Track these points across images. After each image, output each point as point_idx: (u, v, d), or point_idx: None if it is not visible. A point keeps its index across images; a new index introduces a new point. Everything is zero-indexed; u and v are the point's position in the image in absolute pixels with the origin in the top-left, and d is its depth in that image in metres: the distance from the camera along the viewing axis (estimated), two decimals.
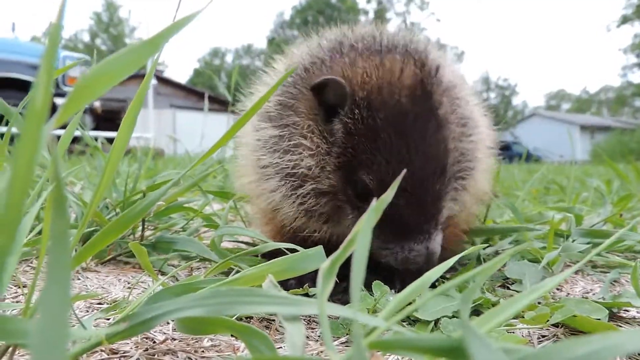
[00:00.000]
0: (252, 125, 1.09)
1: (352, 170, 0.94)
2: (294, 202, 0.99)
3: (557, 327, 0.88)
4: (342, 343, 0.79)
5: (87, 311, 0.93)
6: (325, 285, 0.42)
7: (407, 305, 0.47)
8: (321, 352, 0.75)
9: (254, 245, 1.35)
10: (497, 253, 1.39)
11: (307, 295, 0.93)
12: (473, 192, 1.13)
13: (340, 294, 1.03)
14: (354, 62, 1.00)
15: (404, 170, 0.78)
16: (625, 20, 45.13)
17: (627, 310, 1.00)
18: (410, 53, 1.02)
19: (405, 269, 0.95)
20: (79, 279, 1.15)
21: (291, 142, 0.99)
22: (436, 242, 0.93)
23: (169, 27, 0.46)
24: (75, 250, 0.88)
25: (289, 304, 0.44)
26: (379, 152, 0.91)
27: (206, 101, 3.43)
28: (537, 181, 3.72)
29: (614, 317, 0.96)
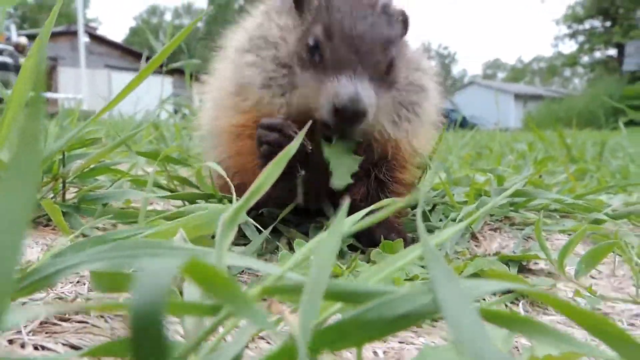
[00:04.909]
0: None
1: (307, 34, 1.00)
2: (260, 70, 1.04)
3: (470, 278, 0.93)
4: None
5: None
6: (224, 234, 0.42)
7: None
8: None
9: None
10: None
11: None
12: (423, 119, 1.13)
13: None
14: None
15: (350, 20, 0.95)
16: None
17: (537, 263, 1.07)
18: None
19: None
20: None
21: (269, 25, 1.08)
22: (369, 93, 0.91)
23: None
24: None
25: (191, 255, 0.44)
26: (332, 12, 0.98)
27: (143, 59, 3.19)
28: (470, 146, 3.86)
29: (523, 269, 1.03)
